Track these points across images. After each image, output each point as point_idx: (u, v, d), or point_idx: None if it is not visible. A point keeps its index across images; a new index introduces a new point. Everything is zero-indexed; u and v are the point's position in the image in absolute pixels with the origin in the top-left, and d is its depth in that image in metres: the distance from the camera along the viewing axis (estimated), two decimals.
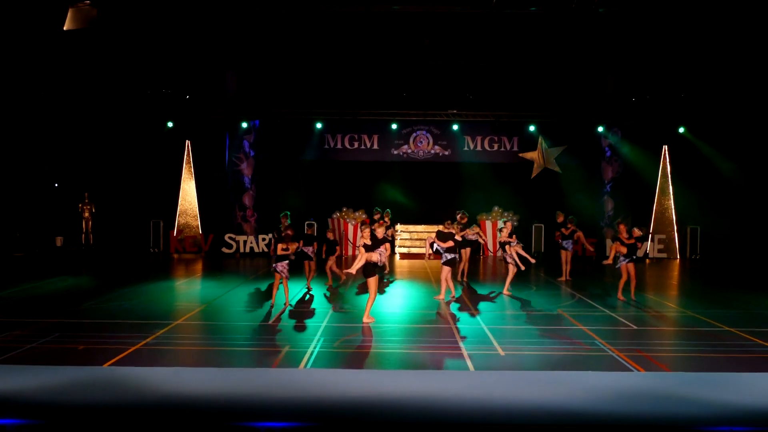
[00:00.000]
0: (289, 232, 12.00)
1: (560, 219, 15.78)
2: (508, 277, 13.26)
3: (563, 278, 15.33)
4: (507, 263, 13.23)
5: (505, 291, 13.08)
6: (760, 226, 20.94)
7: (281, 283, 11.52)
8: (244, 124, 22.20)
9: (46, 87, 19.46)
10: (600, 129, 22.22)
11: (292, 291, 12.46)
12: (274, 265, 11.46)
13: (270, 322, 10.22)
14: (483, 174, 22.55)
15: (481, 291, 13.64)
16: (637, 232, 12.26)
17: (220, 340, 9.05)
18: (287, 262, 11.50)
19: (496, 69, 21.08)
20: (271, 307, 11.37)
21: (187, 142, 22.54)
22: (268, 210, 22.24)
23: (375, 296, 10.14)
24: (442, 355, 8.20)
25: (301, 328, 9.80)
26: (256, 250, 21.54)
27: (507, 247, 13.00)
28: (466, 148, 23.00)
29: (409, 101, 21.87)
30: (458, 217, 14.75)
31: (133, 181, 21.95)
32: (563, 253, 15.51)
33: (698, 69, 19.80)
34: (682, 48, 18.25)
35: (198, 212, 22.52)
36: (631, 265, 12.22)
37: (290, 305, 11.43)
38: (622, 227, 12.47)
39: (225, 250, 21.66)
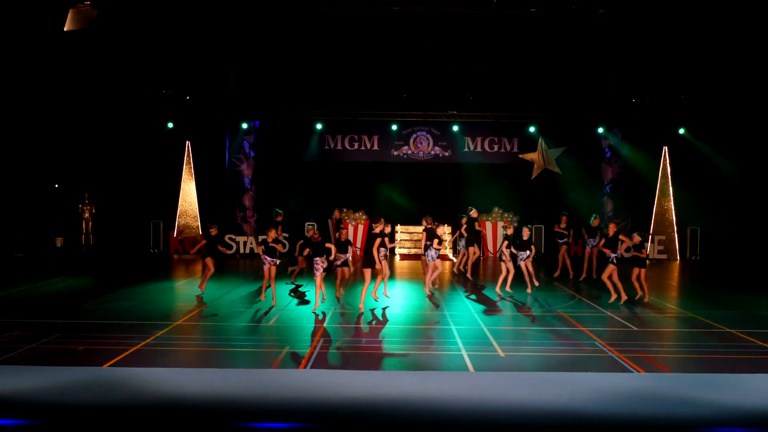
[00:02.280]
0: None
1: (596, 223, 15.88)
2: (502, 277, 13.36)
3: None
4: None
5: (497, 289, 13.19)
6: (760, 227, 20.93)
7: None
8: (245, 125, 22.20)
9: (46, 87, 19.45)
10: (600, 130, 22.22)
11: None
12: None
13: (270, 323, 10.22)
14: (483, 175, 22.53)
15: (484, 291, 13.64)
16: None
17: (219, 340, 9.05)
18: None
19: (497, 70, 21.06)
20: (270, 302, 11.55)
21: (188, 143, 22.54)
22: (268, 211, 22.20)
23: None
24: (442, 357, 8.20)
25: (301, 328, 9.80)
26: (256, 250, 21.54)
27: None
28: (466, 149, 23.00)
29: (409, 102, 21.86)
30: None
31: (133, 182, 21.93)
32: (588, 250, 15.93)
33: (698, 70, 19.80)
34: (682, 49, 18.24)
35: (198, 213, 22.52)
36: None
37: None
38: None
39: (225, 250, 21.61)
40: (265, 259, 11.77)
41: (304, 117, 22.10)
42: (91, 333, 9.16)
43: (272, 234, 11.80)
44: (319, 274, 11.06)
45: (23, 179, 20.99)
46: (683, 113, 21.42)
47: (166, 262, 19.81)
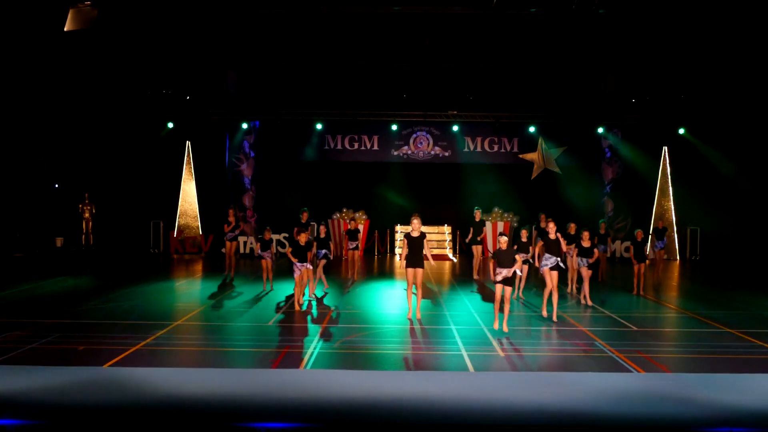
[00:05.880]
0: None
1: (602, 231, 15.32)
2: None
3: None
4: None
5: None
6: (760, 227, 20.94)
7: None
8: (245, 125, 22.21)
9: (46, 87, 19.46)
10: (600, 130, 22.22)
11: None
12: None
13: (270, 323, 10.22)
14: (483, 175, 22.54)
15: (485, 292, 13.64)
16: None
17: (219, 340, 9.05)
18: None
19: (497, 70, 21.07)
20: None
21: (188, 143, 22.55)
22: (268, 211, 22.24)
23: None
24: (442, 357, 8.19)
25: (301, 328, 9.80)
26: (256, 251, 21.52)
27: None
28: (466, 149, 23.00)
29: (409, 102, 21.87)
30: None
31: (134, 182, 21.95)
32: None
33: (698, 70, 19.80)
34: (681, 49, 18.25)
35: (198, 213, 22.53)
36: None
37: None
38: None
39: (225, 251, 21.61)
40: (297, 265, 11.21)
41: (304, 117, 22.10)
42: (91, 333, 9.16)
43: (303, 237, 11.29)
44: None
45: (23, 179, 21.00)
46: (683, 113, 21.43)
47: (166, 262, 19.81)
